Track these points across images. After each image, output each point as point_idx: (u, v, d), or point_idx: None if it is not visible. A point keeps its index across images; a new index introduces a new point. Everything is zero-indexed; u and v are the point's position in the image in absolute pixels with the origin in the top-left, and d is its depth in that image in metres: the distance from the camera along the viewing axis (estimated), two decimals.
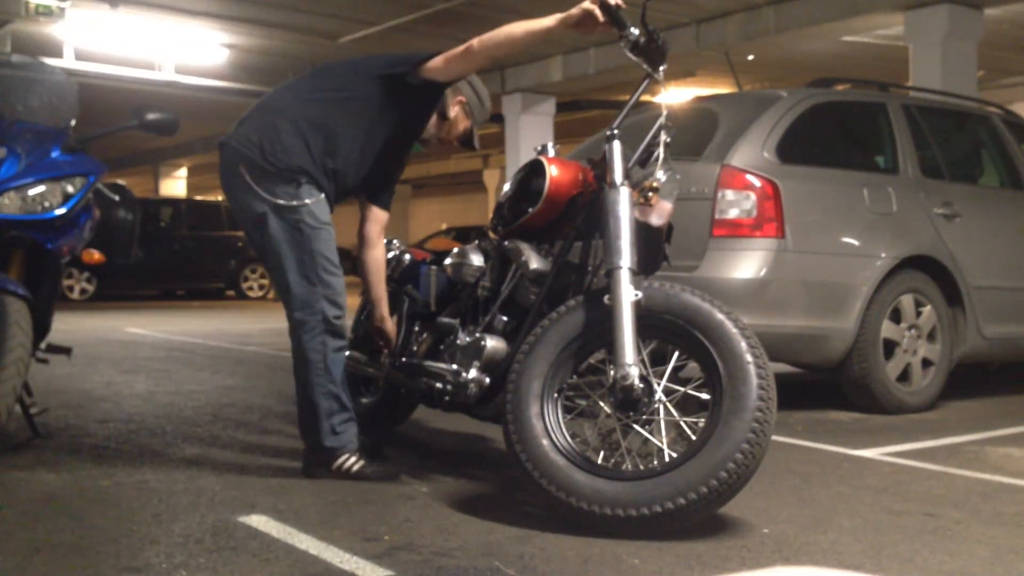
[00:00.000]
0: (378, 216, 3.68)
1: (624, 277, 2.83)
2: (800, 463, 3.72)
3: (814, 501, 3.13)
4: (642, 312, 2.83)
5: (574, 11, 3.04)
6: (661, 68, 3.11)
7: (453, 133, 3.62)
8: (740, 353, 2.71)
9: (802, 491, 3.26)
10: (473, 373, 3.21)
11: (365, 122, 3.41)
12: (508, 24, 3.20)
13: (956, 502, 3.13)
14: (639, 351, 2.83)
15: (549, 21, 3.10)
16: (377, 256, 3.71)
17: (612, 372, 2.80)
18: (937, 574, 2.43)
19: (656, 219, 2.99)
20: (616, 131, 3.05)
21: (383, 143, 3.47)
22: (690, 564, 2.46)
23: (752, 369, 2.69)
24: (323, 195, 3.36)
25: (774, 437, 4.16)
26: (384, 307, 3.75)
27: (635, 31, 3.01)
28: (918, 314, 4.97)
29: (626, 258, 2.86)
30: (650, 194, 2.99)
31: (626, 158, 3.04)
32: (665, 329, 2.86)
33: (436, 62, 3.32)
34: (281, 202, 3.28)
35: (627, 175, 3.00)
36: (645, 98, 3.28)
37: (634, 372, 2.76)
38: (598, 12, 3.00)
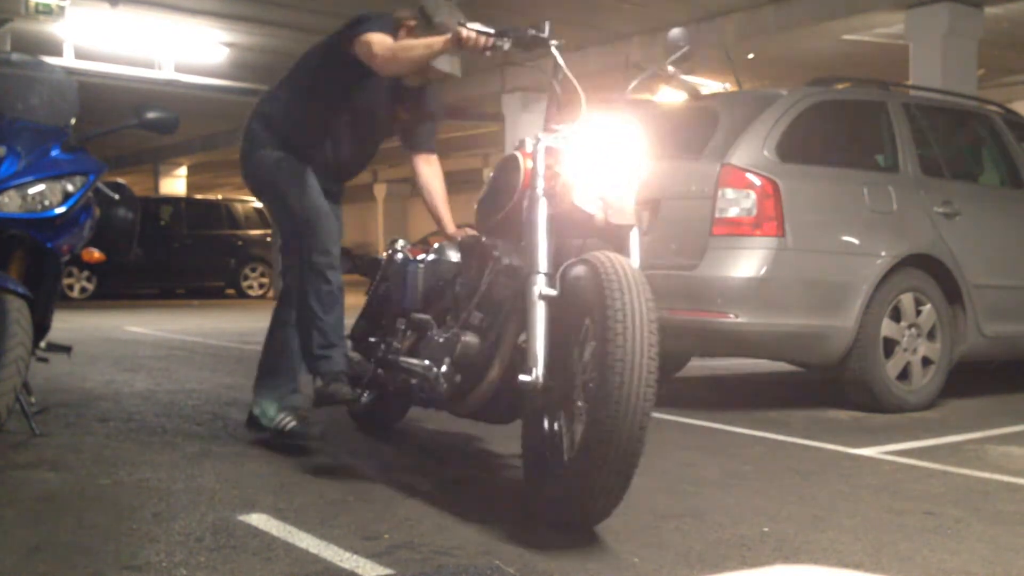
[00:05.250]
0: (421, 158, 3.99)
1: (537, 282, 2.83)
2: (800, 462, 3.72)
3: (814, 500, 3.13)
4: (561, 301, 2.80)
5: (458, 31, 3.22)
6: (554, 44, 3.22)
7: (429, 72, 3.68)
8: (603, 304, 2.57)
9: (802, 490, 3.26)
10: (444, 368, 3.18)
11: (332, 107, 3.77)
12: (412, 41, 3.47)
13: (956, 500, 3.14)
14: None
15: (439, 41, 3.31)
16: (423, 183, 3.99)
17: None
18: (937, 572, 2.43)
19: (565, 203, 2.96)
20: (541, 135, 3.08)
21: (359, 115, 3.81)
22: (690, 562, 2.46)
23: (611, 313, 2.54)
24: None
25: (774, 436, 4.20)
26: (447, 223, 3.92)
27: (503, 42, 3.19)
28: (918, 313, 4.97)
29: (537, 263, 2.86)
30: (553, 180, 3.02)
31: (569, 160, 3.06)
32: (584, 305, 2.80)
33: (360, 49, 3.60)
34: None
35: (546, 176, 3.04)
36: (646, 96, 3.30)
37: (536, 373, 2.73)
38: (470, 33, 3.19)
